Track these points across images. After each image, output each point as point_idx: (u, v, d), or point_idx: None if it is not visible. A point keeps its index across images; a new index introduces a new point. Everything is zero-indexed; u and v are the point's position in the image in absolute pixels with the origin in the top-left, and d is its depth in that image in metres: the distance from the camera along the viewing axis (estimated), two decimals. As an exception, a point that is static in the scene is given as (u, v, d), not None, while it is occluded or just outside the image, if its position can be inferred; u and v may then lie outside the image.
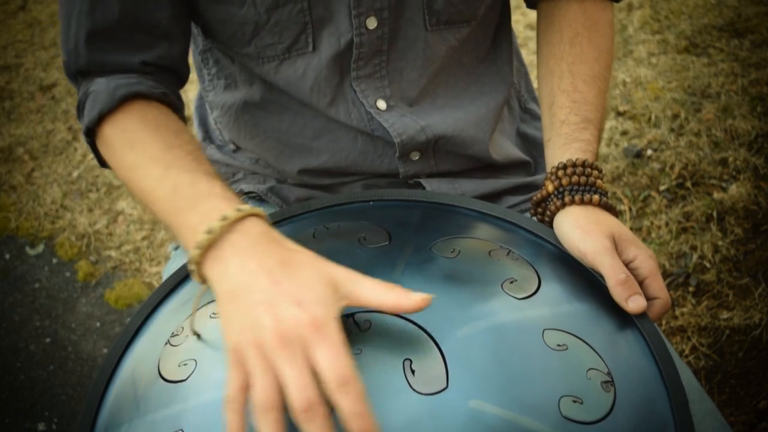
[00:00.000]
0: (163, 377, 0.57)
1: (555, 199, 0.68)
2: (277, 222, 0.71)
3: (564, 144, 0.72)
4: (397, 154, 0.79)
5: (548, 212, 0.69)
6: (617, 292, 0.59)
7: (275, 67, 0.75)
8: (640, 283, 0.61)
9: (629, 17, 2.58)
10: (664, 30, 2.47)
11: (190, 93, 2.66)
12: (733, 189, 1.77)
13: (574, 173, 0.68)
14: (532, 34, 2.58)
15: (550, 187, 0.69)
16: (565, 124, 0.73)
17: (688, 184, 1.84)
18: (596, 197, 0.67)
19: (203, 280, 0.56)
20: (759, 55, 2.23)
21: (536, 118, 0.95)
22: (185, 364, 0.57)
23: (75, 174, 2.36)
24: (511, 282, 0.58)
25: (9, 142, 2.56)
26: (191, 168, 0.62)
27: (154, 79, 0.72)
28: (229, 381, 0.49)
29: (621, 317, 0.59)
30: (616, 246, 0.63)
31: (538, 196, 0.71)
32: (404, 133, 0.78)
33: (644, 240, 1.73)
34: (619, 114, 2.14)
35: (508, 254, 0.62)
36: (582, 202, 0.67)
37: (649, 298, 0.60)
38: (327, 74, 0.75)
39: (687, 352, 1.47)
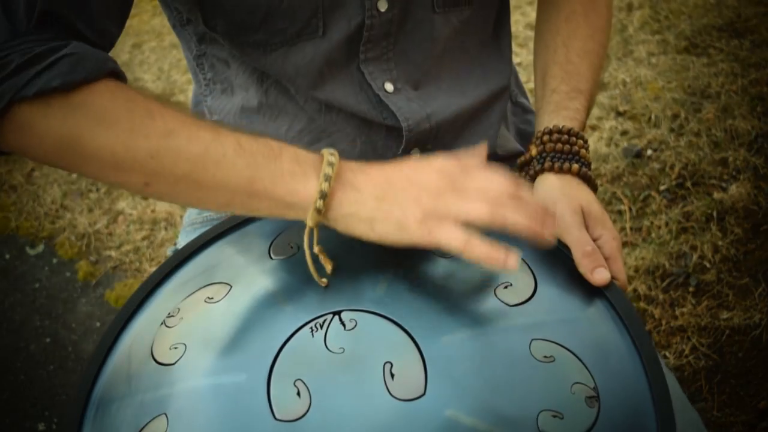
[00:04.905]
0: (155, 359, 0.58)
1: (536, 164, 0.71)
2: None
3: (552, 111, 0.74)
4: (402, 147, 0.79)
5: (528, 176, 0.71)
6: (583, 264, 0.60)
7: (283, 54, 0.74)
8: None
9: (629, 17, 2.58)
10: (664, 30, 2.47)
11: (181, 96, 2.66)
12: (733, 189, 1.77)
13: (559, 140, 0.70)
14: (533, 33, 2.58)
15: (534, 151, 0.71)
16: (556, 93, 0.75)
17: (688, 184, 1.84)
18: (575, 166, 0.69)
19: (321, 217, 0.56)
20: (759, 55, 2.22)
21: (527, 111, 0.97)
22: (176, 348, 0.58)
23: (75, 174, 2.37)
24: (506, 287, 0.58)
25: (9, 142, 2.56)
26: (230, 128, 0.59)
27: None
28: (454, 238, 0.53)
29: (617, 330, 0.57)
30: (584, 221, 0.64)
31: (522, 159, 0.73)
32: (410, 119, 0.78)
33: (644, 240, 1.73)
34: (619, 114, 2.14)
35: None
36: (561, 170, 0.69)
37: None
38: (335, 57, 0.74)
39: (687, 352, 1.47)
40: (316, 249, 0.59)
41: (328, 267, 0.60)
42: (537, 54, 0.83)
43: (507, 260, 0.53)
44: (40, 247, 2.13)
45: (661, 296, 1.59)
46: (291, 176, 0.56)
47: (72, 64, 0.57)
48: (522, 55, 2.49)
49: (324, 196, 0.55)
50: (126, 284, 1.93)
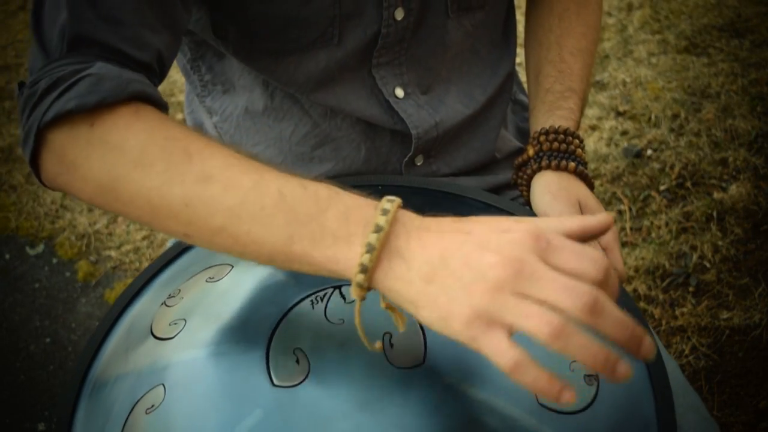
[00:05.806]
0: (154, 335, 0.58)
1: (533, 163, 0.72)
2: None
3: (547, 111, 0.75)
4: (410, 154, 0.79)
5: (525, 176, 0.73)
6: None
7: (296, 61, 0.73)
8: None
9: (629, 17, 2.58)
10: (664, 30, 2.47)
11: (180, 96, 2.65)
12: (733, 189, 1.77)
13: (555, 140, 0.72)
14: (532, 34, 2.58)
15: (531, 152, 0.73)
16: (550, 92, 0.77)
17: (688, 184, 1.84)
18: (572, 164, 0.70)
19: (367, 289, 0.47)
20: (759, 55, 2.23)
21: (526, 108, 0.97)
22: (175, 323, 0.58)
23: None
24: None
25: (9, 142, 2.56)
26: (277, 172, 0.51)
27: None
28: (501, 353, 0.42)
29: None
30: (582, 213, 0.66)
31: (520, 159, 0.75)
32: (420, 127, 0.78)
33: (644, 240, 1.73)
34: (619, 114, 2.14)
35: None
36: (558, 168, 0.70)
37: None
38: (348, 63, 0.74)
39: (687, 352, 1.47)
40: (382, 305, 0.49)
41: (401, 325, 0.50)
42: (529, 52, 0.84)
43: (561, 395, 0.42)
44: (40, 247, 2.13)
45: (661, 296, 1.59)
46: (333, 239, 0.47)
47: (91, 84, 0.53)
48: (522, 55, 2.49)
49: (365, 270, 0.46)
50: (126, 284, 1.93)
